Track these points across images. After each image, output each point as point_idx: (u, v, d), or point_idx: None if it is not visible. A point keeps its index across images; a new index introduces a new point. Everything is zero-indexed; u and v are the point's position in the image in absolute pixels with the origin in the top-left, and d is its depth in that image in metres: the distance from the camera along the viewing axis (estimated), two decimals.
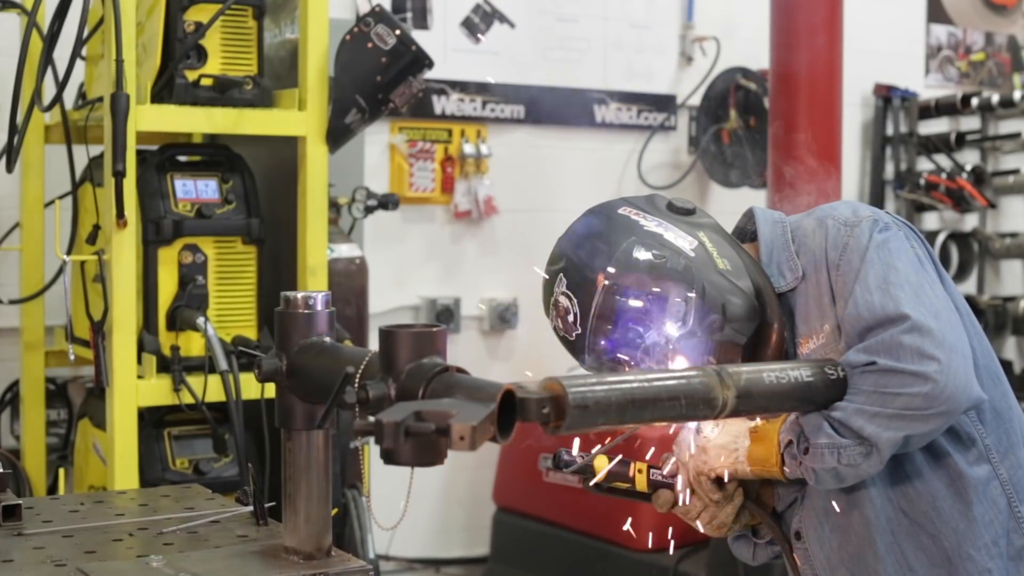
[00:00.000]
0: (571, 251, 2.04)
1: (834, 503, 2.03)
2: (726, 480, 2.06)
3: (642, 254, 2.00)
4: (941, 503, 1.98)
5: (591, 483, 2.13)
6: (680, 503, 2.09)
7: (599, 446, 2.14)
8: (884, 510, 2.00)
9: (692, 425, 2.06)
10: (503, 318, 5.15)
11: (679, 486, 2.08)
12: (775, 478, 2.02)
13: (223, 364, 3.29)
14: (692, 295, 1.98)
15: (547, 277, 2.07)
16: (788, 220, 2.14)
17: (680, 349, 1.98)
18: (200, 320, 3.34)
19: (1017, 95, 5.91)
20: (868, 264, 1.95)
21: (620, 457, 2.15)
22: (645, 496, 2.12)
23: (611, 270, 1.99)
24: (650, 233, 2.03)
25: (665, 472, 2.10)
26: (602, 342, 1.99)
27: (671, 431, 2.12)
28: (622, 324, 1.98)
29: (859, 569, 2.02)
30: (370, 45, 3.44)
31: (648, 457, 2.16)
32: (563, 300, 2.02)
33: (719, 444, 2.03)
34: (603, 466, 2.11)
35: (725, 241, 2.08)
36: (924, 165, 6.09)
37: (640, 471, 2.12)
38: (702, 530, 2.12)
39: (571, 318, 2.01)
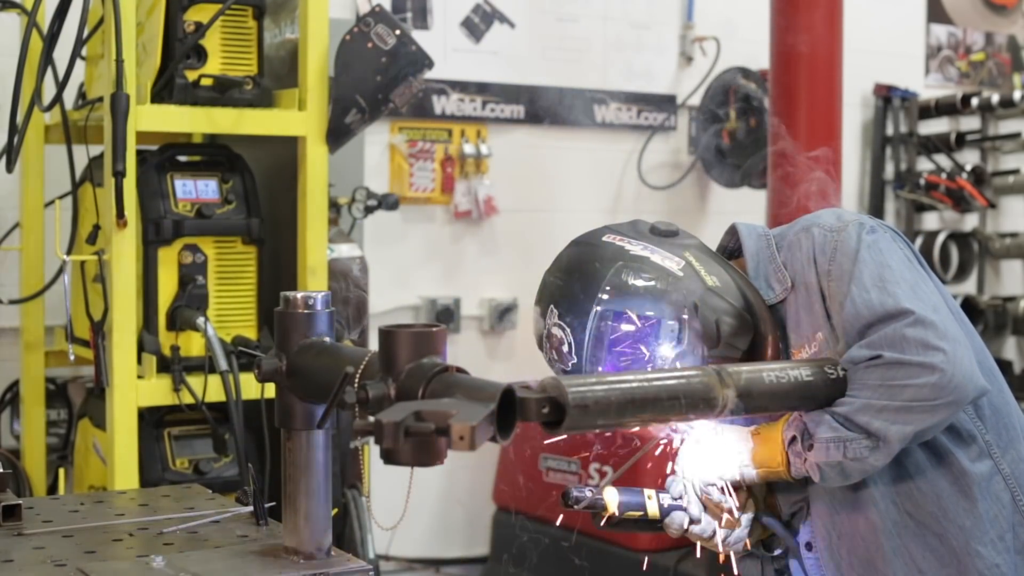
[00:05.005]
0: (560, 282, 2.05)
1: (839, 509, 2.03)
2: (735, 489, 2.05)
3: (631, 278, 2.01)
4: (946, 502, 1.98)
5: (604, 517, 2.09)
6: (693, 521, 2.08)
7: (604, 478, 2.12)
8: (889, 513, 2.00)
9: (692, 439, 2.06)
10: (503, 318, 5.15)
11: (691, 505, 2.07)
12: (781, 479, 2.01)
13: (223, 364, 3.29)
14: (684, 315, 1.99)
15: (537, 311, 2.07)
16: (772, 232, 2.15)
17: None
18: (200, 320, 3.34)
19: (1017, 95, 5.91)
20: (861, 264, 1.96)
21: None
22: (658, 524, 2.11)
23: (602, 297, 1.99)
24: (637, 257, 2.04)
25: (673, 492, 2.09)
26: (599, 369, 1.99)
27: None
28: (617, 349, 1.98)
29: (869, 574, 2.02)
30: (370, 45, 3.45)
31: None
32: (556, 331, 2.02)
33: (722, 451, 2.02)
34: (613, 499, 2.09)
35: (711, 259, 2.09)
36: (924, 165, 6.09)
37: (650, 498, 2.10)
38: (720, 550, 2.11)
39: (565, 348, 2.02)
